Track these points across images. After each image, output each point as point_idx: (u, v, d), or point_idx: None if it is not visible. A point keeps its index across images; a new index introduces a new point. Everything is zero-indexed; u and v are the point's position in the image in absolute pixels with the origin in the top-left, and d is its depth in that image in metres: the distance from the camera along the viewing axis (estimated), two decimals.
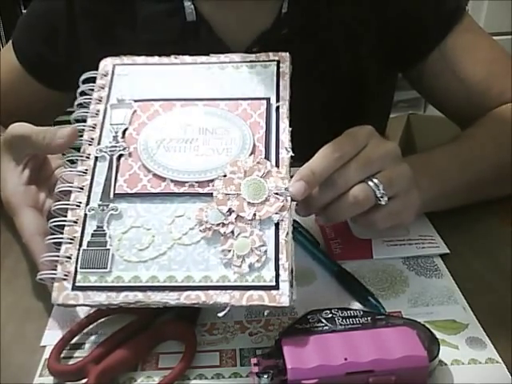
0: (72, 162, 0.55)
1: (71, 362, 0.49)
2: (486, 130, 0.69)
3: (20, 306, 0.55)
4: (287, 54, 0.59)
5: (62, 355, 0.49)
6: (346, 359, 0.43)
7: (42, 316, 0.54)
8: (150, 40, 0.64)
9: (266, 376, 0.44)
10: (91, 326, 0.51)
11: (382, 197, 0.52)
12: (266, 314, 0.47)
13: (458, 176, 0.62)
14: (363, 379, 0.43)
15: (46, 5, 0.76)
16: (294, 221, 0.61)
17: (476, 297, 0.53)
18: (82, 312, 0.53)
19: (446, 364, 0.47)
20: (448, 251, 0.59)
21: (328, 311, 0.49)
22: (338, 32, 0.73)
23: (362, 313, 0.49)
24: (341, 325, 0.48)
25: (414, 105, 1.78)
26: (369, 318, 0.49)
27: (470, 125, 0.70)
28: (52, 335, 0.51)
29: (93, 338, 0.51)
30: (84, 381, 0.45)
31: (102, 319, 0.52)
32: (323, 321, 0.48)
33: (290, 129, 0.54)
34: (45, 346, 0.50)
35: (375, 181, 0.52)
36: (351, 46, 0.74)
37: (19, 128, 0.56)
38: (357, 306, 0.53)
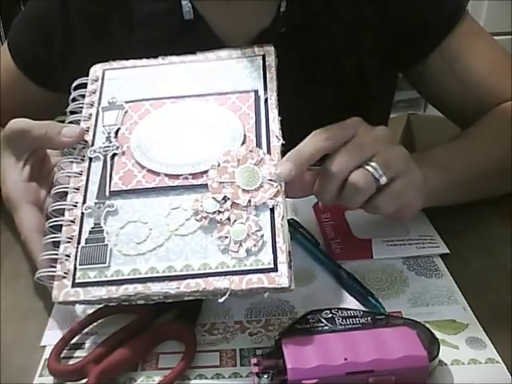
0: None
1: (71, 362, 0.49)
2: (487, 127, 0.69)
3: (20, 306, 0.55)
4: (272, 47, 0.60)
5: (62, 355, 0.49)
6: (346, 359, 0.43)
7: (42, 316, 0.54)
8: (148, 39, 0.64)
9: (265, 376, 0.44)
10: (91, 326, 0.51)
11: (380, 177, 0.52)
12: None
13: (461, 169, 0.62)
14: (363, 379, 0.43)
15: (41, 5, 0.75)
16: (294, 221, 0.62)
17: (476, 297, 0.53)
18: (82, 312, 0.53)
19: (446, 364, 0.47)
20: (448, 251, 0.59)
21: (328, 311, 0.49)
22: (338, 31, 0.73)
23: (361, 313, 0.49)
24: (341, 325, 0.48)
25: (413, 105, 1.78)
26: (369, 318, 0.49)
27: (470, 124, 0.70)
28: (52, 335, 0.51)
29: (93, 338, 0.51)
30: (84, 381, 0.45)
31: (102, 319, 0.52)
32: (323, 321, 0.48)
33: (280, 118, 0.54)
34: (45, 346, 0.50)
35: (372, 164, 0.52)
36: (351, 45, 0.74)
37: (19, 123, 0.56)
38: (357, 306, 0.53)
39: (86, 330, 0.51)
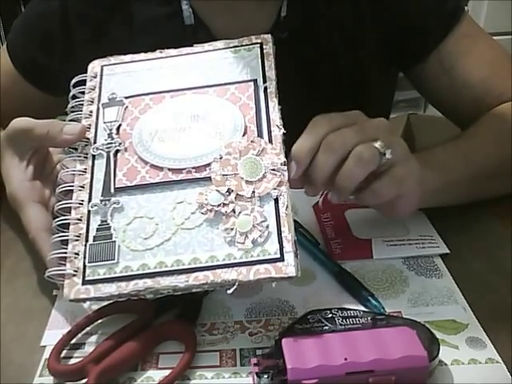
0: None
1: (71, 361, 0.49)
2: (486, 127, 0.69)
3: (20, 306, 0.55)
4: (269, 35, 0.60)
5: (62, 355, 0.49)
6: (346, 359, 0.43)
7: (42, 316, 0.54)
8: (148, 44, 0.64)
9: (266, 376, 0.44)
10: (91, 326, 0.51)
11: (385, 151, 0.51)
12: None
13: (460, 169, 0.62)
14: (363, 379, 0.43)
15: (41, 9, 0.75)
16: (294, 221, 0.61)
17: (476, 297, 0.53)
18: (83, 312, 0.53)
19: (446, 364, 0.47)
20: (448, 251, 0.59)
21: (328, 311, 0.49)
22: (338, 36, 0.73)
23: (361, 313, 0.49)
24: (341, 325, 0.48)
25: (414, 105, 1.78)
26: (369, 318, 0.49)
27: (470, 125, 0.70)
28: (52, 335, 0.51)
29: (93, 338, 0.51)
30: (84, 381, 0.45)
31: (102, 319, 0.52)
32: (323, 321, 0.48)
33: (280, 107, 0.54)
34: (45, 346, 0.50)
35: (377, 142, 0.52)
36: (351, 49, 0.74)
37: (21, 122, 0.56)
38: (357, 305, 0.53)
39: (85, 329, 0.51)
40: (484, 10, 1.78)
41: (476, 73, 0.73)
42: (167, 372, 0.46)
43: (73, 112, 0.58)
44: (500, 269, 0.57)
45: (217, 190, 0.50)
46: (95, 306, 0.51)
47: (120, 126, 0.56)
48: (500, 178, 0.65)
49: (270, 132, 0.53)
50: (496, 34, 1.44)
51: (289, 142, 0.53)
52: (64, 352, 0.49)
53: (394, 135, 0.55)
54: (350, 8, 0.72)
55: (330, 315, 0.49)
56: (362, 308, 0.52)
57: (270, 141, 0.53)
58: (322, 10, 0.72)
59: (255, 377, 0.44)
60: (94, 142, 0.55)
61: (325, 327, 0.48)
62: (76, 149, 0.55)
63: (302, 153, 0.51)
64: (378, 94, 0.80)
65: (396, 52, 0.75)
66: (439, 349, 0.46)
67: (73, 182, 0.53)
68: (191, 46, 0.62)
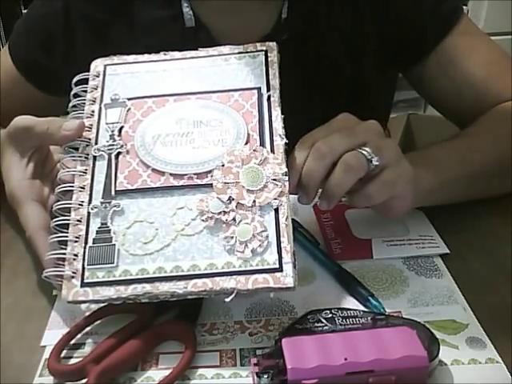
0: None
1: (71, 361, 0.49)
2: (484, 127, 0.69)
3: (20, 306, 0.55)
4: (274, 43, 0.60)
5: (62, 355, 0.49)
6: (346, 359, 0.43)
7: (42, 316, 0.54)
8: (149, 46, 0.64)
9: (266, 376, 0.44)
10: (91, 326, 0.51)
11: (372, 158, 0.52)
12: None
13: (456, 168, 0.62)
14: (363, 379, 0.43)
15: (43, 10, 0.75)
16: (294, 221, 0.61)
17: (476, 297, 0.53)
18: (82, 312, 0.53)
19: (446, 364, 0.47)
20: (448, 251, 0.59)
21: (328, 311, 0.49)
22: (338, 37, 0.73)
23: (361, 313, 0.49)
24: (341, 325, 0.48)
25: (413, 105, 1.78)
26: (369, 318, 0.49)
27: (469, 125, 0.70)
28: (52, 335, 0.51)
29: (93, 338, 0.51)
30: (84, 381, 0.45)
31: (102, 319, 0.52)
32: (323, 321, 0.48)
33: (283, 116, 0.55)
34: (45, 346, 0.50)
35: (365, 148, 0.52)
36: (351, 51, 0.74)
37: (22, 120, 0.56)
38: (357, 305, 0.53)
39: (85, 329, 0.51)
40: (484, 10, 1.78)
41: (475, 73, 0.73)
42: (167, 372, 0.46)
43: (74, 110, 0.58)
44: (500, 269, 0.57)
45: (218, 198, 0.50)
46: (94, 306, 0.51)
47: (122, 127, 0.56)
48: (497, 177, 0.65)
49: (272, 141, 0.53)
50: (496, 34, 1.45)
51: (288, 144, 0.53)
52: (64, 352, 0.49)
53: (385, 138, 0.55)
54: (350, 9, 0.72)
55: (330, 315, 0.49)
56: (362, 308, 0.52)
57: (272, 150, 0.53)
58: (323, 12, 0.72)
59: (255, 377, 0.44)
60: (96, 143, 0.55)
61: (325, 327, 0.48)
62: (77, 149, 0.55)
63: (295, 161, 0.52)
64: (378, 94, 0.80)
65: (395, 53, 0.76)
66: (439, 349, 0.46)
67: (72, 182, 0.53)
68: (192, 48, 0.61)
